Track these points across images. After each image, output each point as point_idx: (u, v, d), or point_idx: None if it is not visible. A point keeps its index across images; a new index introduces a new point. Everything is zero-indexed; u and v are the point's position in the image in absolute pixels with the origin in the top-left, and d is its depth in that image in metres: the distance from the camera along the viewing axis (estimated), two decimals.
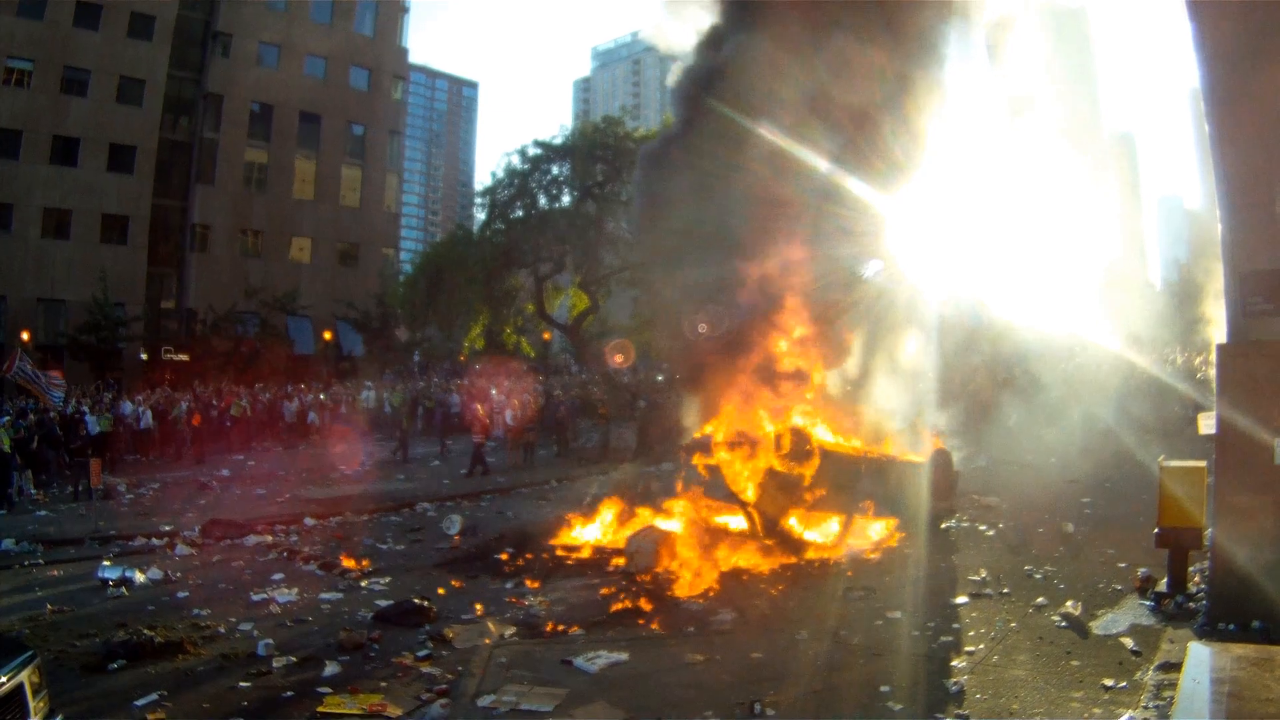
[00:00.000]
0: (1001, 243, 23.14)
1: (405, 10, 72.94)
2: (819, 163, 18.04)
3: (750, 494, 17.58)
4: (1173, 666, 9.91)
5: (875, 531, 18.09)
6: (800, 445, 17.89)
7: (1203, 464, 13.32)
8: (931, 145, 19.85)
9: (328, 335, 62.24)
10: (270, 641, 12.35)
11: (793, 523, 17.70)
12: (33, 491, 25.76)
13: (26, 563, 18.11)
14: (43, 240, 54.94)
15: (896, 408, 21.27)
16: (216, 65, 61.73)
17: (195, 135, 61.59)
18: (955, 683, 10.12)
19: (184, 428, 35.60)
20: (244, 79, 62.62)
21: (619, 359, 45.93)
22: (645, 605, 13.89)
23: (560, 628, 13.08)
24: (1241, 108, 12.29)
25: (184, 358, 57.86)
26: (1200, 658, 9.14)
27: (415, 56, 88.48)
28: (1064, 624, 12.00)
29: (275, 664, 11.63)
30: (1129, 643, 11.18)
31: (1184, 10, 12.56)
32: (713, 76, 18.91)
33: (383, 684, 10.92)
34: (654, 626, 13.06)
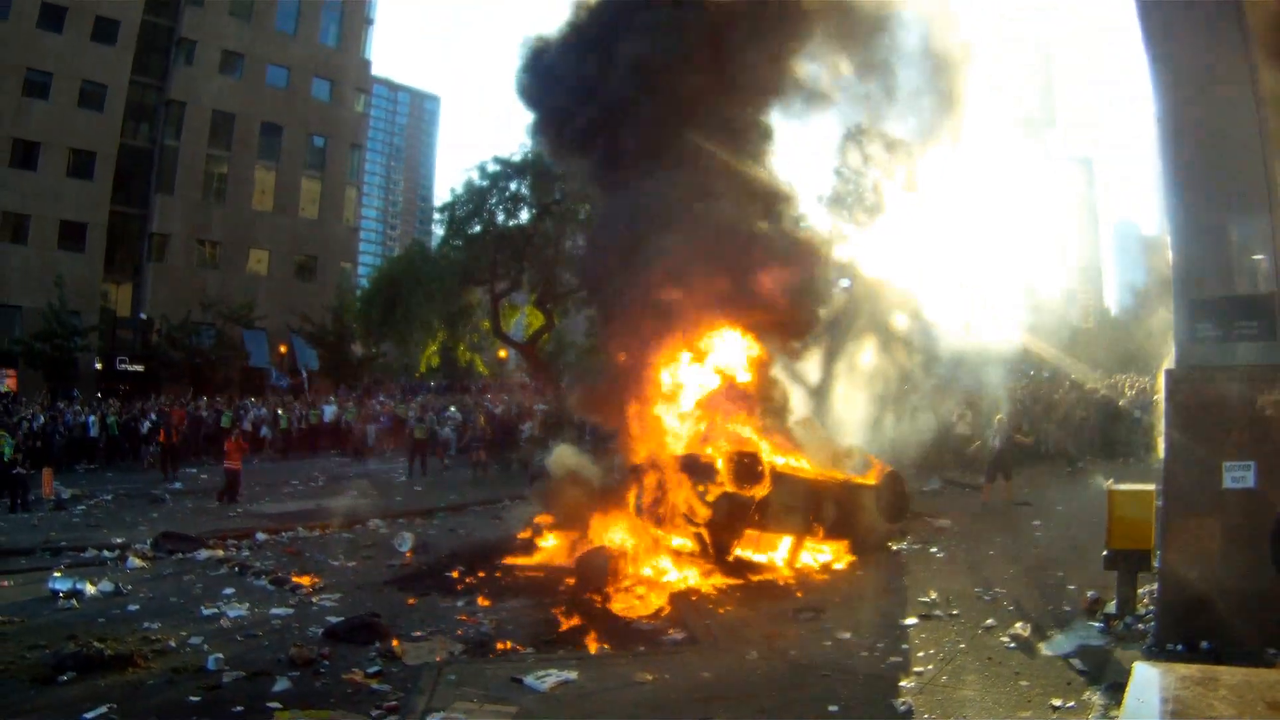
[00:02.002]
0: (955, 264, 23.32)
1: (369, 22, 73.01)
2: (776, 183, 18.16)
3: (701, 515, 17.56)
4: (1120, 687, 9.90)
5: (826, 553, 18.10)
6: (751, 467, 17.90)
7: (1151, 487, 13.45)
8: (889, 170, 20.04)
9: (283, 349, 62.01)
10: (220, 656, 12.25)
11: (743, 544, 17.72)
12: None
13: None
14: None
15: (852, 428, 21.36)
16: (179, 72, 61.71)
17: (156, 143, 61.33)
18: (904, 702, 10.13)
19: (154, 438, 35.57)
20: (206, 87, 62.59)
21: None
22: (595, 624, 13.91)
23: (510, 646, 13.07)
24: (1195, 135, 12.45)
25: (139, 368, 57.51)
26: (1146, 678, 9.16)
27: (378, 69, 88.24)
28: (1013, 645, 12.04)
29: (225, 678, 11.54)
30: (1077, 663, 11.22)
31: (1140, 36, 12.70)
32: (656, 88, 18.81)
33: (332, 700, 10.85)
34: (604, 645, 13.09)
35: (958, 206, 22.80)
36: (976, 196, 22.55)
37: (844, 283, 21.81)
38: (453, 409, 43.43)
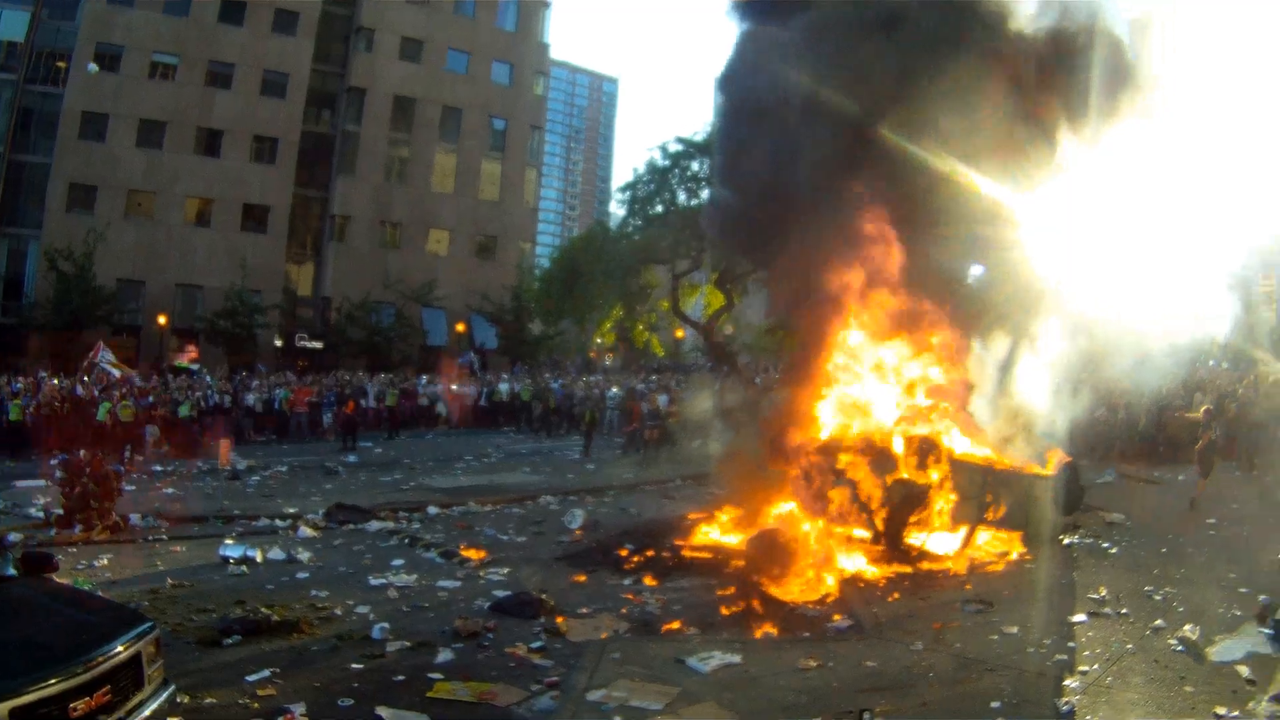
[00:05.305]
0: (1139, 249, 22.57)
1: (547, 6, 73.70)
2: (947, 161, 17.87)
3: (873, 500, 17.49)
4: None
5: (998, 544, 17.79)
6: (927, 453, 17.80)
7: None
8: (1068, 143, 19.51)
9: (461, 327, 63.30)
10: (386, 625, 12.72)
11: (915, 531, 17.62)
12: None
13: (150, 537, 18.82)
14: (185, 227, 57.64)
15: (1027, 418, 20.92)
16: (359, 59, 63.55)
17: (337, 128, 63.40)
18: (1067, 702, 9.99)
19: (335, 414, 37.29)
20: (386, 73, 64.17)
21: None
22: (761, 608, 13.95)
23: (675, 626, 13.20)
24: None
25: (318, 345, 59.54)
26: None
27: (556, 53, 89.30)
28: (1180, 648, 11.72)
29: (389, 647, 11.96)
30: (1244, 671, 10.87)
31: None
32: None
33: (494, 673, 11.12)
34: (769, 629, 13.14)
35: (1140, 189, 22.04)
36: (1158, 177, 21.69)
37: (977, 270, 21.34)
38: (615, 389, 43.81)
